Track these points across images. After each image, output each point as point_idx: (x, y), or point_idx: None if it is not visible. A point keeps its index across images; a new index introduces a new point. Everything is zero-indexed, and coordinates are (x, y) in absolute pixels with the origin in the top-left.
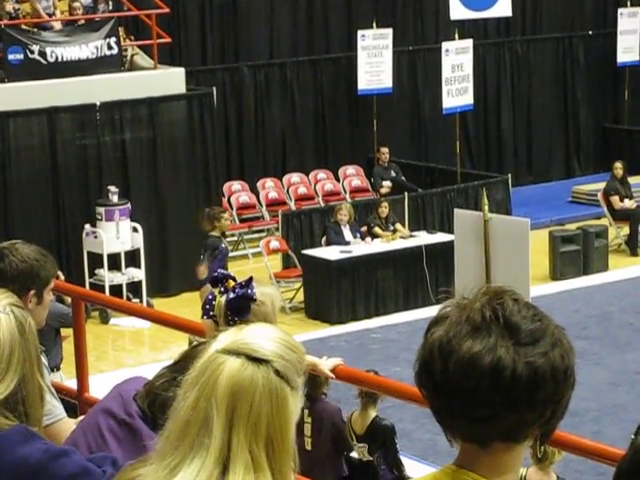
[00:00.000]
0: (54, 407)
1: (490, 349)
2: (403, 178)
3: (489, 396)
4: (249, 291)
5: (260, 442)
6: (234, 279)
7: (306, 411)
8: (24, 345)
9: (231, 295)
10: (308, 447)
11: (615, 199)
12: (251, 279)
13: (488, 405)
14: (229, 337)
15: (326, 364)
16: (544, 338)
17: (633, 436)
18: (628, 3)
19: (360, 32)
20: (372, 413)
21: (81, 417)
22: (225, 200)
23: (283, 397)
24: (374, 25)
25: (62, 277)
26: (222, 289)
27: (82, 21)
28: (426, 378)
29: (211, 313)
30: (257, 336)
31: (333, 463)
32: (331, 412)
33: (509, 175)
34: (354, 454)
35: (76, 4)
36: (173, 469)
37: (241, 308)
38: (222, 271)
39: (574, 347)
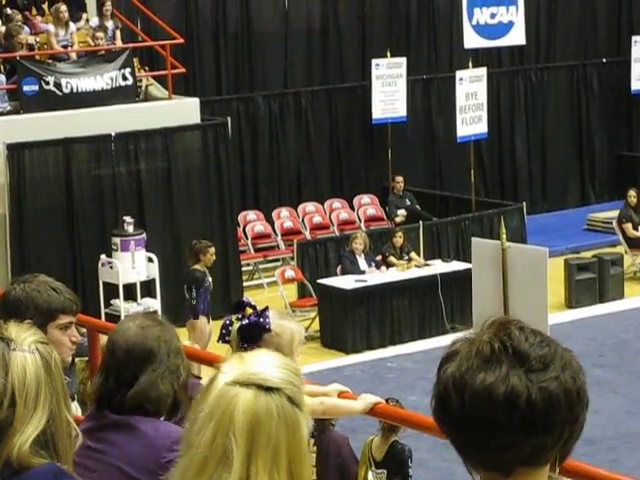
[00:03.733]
0: None
1: (503, 379)
2: (418, 207)
3: (507, 425)
4: (261, 320)
5: (281, 470)
6: (254, 307)
7: (312, 440)
8: (50, 383)
9: (244, 322)
10: (314, 477)
11: (628, 227)
12: (266, 309)
13: (507, 434)
14: (234, 367)
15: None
16: (554, 362)
17: None
18: None
19: (374, 61)
20: (392, 439)
21: None
22: (240, 230)
23: (297, 422)
24: (388, 54)
25: None
26: (240, 315)
27: (102, 52)
28: (444, 414)
29: (226, 338)
30: (262, 364)
31: None
32: (338, 442)
33: (524, 203)
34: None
35: (99, 34)
36: None
37: (251, 336)
38: (245, 298)
39: (583, 367)
